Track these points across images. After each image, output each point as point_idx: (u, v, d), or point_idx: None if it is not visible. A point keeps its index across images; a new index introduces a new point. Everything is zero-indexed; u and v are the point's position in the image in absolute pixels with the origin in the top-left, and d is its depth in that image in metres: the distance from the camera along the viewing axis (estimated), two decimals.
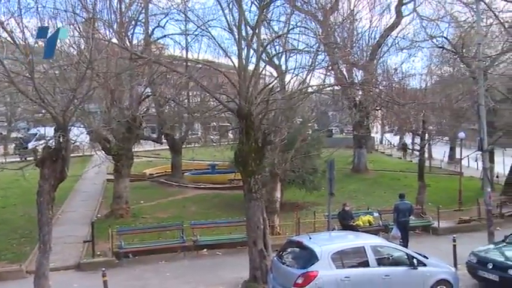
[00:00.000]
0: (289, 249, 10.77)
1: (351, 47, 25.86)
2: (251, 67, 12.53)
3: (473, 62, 16.50)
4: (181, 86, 17.91)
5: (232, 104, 12.28)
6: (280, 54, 15.48)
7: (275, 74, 16.37)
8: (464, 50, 20.53)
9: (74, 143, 11.70)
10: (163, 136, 27.91)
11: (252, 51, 12.28)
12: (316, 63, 13.50)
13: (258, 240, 11.71)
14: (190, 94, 24.69)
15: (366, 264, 9.99)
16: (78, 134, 14.08)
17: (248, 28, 11.95)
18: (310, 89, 14.17)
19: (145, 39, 20.29)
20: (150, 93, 20.43)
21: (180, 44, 20.50)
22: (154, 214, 20.65)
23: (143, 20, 20.50)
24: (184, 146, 31.63)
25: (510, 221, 18.94)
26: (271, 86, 13.28)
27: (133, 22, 19.53)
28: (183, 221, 16.35)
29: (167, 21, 20.49)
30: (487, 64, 19.08)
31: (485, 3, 17.56)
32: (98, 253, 14.52)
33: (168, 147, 31.71)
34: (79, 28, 11.82)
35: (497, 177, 28.23)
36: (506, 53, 19.78)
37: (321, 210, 18.25)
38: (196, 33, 13.45)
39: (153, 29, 20.96)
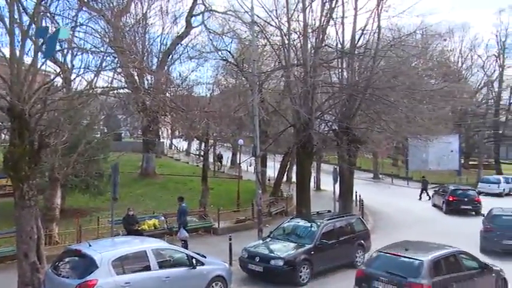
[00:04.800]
0: (66, 259, 10.18)
1: (142, 51, 25.87)
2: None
3: (250, 76, 18.41)
4: None
5: (2, 101, 10.93)
6: (65, 52, 14.48)
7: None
8: (244, 65, 22.67)
9: None
10: None
11: (30, 44, 11.19)
12: (104, 64, 13.10)
13: (30, 252, 10.63)
14: None
15: (147, 268, 10.17)
16: None
17: (26, 18, 10.85)
18: (96, 91, 13.63)
19: None
20: None
21: None
22: None
23: None
24: None
25: (277, 218, 21.72)
26: (51, 84, 12.31)
27: None
28: None
29: None
30: (262, 79, 21.56)
31: (259, 26, 19.87)
32: None
33: None
34: None
35: (269, 180, 32.08)
36: (276, 71, 22.70)
37: (105, 216, 17.69)
38: None
39: None
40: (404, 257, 10.70)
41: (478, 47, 51.93)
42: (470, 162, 54.31)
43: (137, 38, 25.42)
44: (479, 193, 33.33)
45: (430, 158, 44.08)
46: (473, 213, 26.86)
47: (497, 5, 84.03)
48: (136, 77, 22.79)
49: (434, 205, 30.67)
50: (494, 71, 51.12)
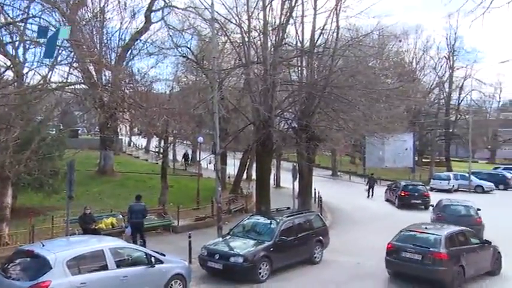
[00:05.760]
0: (17, 261, 9.79)
1: (99, 46, 25.22)
2: None
3: (210, 74, 18.32)
4: None
5: None
6: (17, 44, 13.95)
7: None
8: (204, 62, 22.53)
9: None
10: None
11: None
12: (60, 59, 12.74)
13: None
14: None
15: (104, 267, 9.95)
16: None
17: None
18: (51, 86, 13.23)
19: None
20: None
21: None
22: None
23: None
24: None
25: (237, 216, 21.78)
26: (1, 78, 11.84)
27: None
28: None
29: None
30: (222, 76, 21.53)
31: (219, 23, 19.82)
32: None
33: None
34: None
35: (228, 177, 32.10)
36: (236, 68, 22.72)
37: (61, 215, 17.16)
38: None
39: None
40: (426, 233, 13.60)
41: (430, 49, 53.98)
42: (424, 160, 56.36)
43: (94, 32, 24.70)
44: (432, 189, 34.97)
45: (386, 156, 45.42)
46: (423, 207, 28.27)
47: (448, 9, 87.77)
48: (93, 72, 22.24)
49: (388, 200, 31.90)
50: (445, 72, 53.49)
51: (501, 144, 69.16)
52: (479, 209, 20.27)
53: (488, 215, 20.37)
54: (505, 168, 48.64)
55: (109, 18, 28.72)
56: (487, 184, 38.92)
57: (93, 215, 16.01)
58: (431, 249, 12.78)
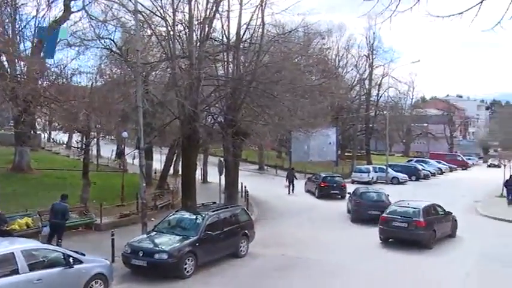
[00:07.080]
0: None
1: (12, 34, 23.54)
2: None
3: (135, 67, 17.77)
4: None
5: None
6: None
7: None
8: (129, 55, 21.77)
9: None
10: None
11: None
12: None
13: None
14: None
15: (15, 271, 9.34)
16: None
17: None
18: None
19: None
20: None
21: None
22: None
23: None
24: None
25: (163, 212, 21.41)
26: None
27: None
28: None
29: None
30: (147, 70, 20.97)
31: (144, 16, 19.28)
32: None
33: None
34: None
35: (155, 173, 31.49)
36: (162, 62, 22.25)
37: None
38: None
39: None
40: (408, 207, 18.33)
41: (352, 47, 56.66)
42: (346, 154, 58.95)
43: (6, 19, 22.98)
44: (353, 181, 36.77)
45: (311, 150, 46.90)
46: (340, 197, 30.04)
47: (362, 9, 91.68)
48: (5, 63, 20.72)
49: (308, 191, 33.30)
50: (365, 70, 56.42)
51: (414, 138, 75.31)
52: (388, 195, 23.63)
53: None
54: (417, 161, 52.47)
55: (22, 4, 26.81)
56: (401, 176, 41.64)
57: (4, 216, 14.94)
58: (413, 218, 17.31)
